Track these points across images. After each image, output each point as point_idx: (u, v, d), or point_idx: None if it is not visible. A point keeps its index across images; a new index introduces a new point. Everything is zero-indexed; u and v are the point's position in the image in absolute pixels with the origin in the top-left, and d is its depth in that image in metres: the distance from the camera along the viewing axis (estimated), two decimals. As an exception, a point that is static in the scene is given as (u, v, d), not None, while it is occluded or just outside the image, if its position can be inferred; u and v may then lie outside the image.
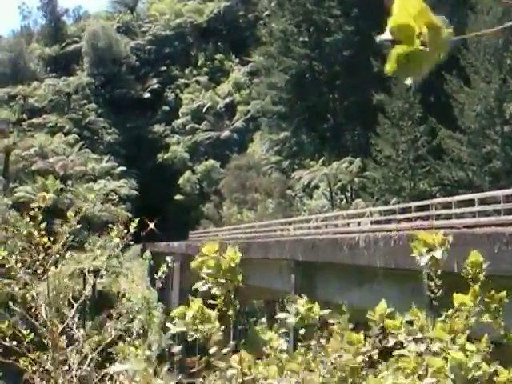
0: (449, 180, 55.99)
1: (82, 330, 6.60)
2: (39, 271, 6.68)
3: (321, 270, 34.49)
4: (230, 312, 3.99)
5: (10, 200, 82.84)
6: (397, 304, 4.45)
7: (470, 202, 31.51)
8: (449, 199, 35.09)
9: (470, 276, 4.10)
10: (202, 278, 4.01)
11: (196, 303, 3.95)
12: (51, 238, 6.69)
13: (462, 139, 53.88)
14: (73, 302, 6.91)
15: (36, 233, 6.48)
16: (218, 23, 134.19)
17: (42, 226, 6.58)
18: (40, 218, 6.56)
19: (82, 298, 7.34)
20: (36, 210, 6.54)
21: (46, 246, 6.56)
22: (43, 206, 6.47)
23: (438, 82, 57.51)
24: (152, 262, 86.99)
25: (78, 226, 7.23)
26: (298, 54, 79.73)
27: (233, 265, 4.01)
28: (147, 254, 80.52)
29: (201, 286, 4.05)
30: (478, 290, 4.03)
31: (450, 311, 4.03)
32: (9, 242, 7.26)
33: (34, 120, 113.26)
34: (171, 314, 3.98)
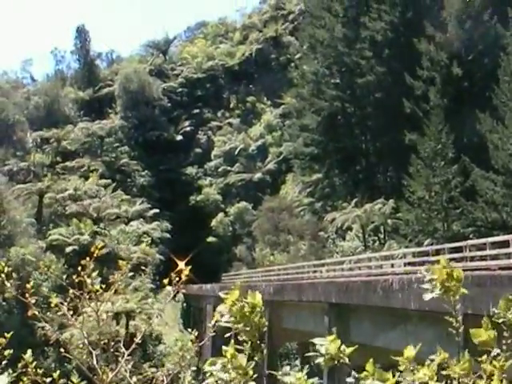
0: (482, 221, 55.33)
1: (134, 378, 6.53)
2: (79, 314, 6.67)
3: (355, 312, 34.26)
4: (258, 357, 3.93)
5: (44, 243, 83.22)
6: (432, 347, 4.37)
7: (505, 244, 31.16)
8: (483, 241, 34.73)
9: (501, 320, 3.98)
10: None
11: (228, 351, 3.87)
12: (103, 286, 6.71)
13: (495, 180, 53.40)
14: (123, 348, 6.86)
15: (88, 280, 6.50)
16: (249, 66, 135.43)
17: (94, 274, 6.61)
18: (92, 266, 6.57)
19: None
20: (88, 258, 6.54)
21: (97, 293, 6.59)
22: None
23: (471, 122, 57.24)
24: (185, 304, 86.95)
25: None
26: (329, 95, 79.98)
27: (255, 310, 3.94)
28: (180, 296, 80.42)
29: (227, 333, 4.02)
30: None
31: (485, 356, 3.91)
32: (44, 284, 7.23)
33: (68, 163, 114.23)
34: (205, 366, 3.91)
